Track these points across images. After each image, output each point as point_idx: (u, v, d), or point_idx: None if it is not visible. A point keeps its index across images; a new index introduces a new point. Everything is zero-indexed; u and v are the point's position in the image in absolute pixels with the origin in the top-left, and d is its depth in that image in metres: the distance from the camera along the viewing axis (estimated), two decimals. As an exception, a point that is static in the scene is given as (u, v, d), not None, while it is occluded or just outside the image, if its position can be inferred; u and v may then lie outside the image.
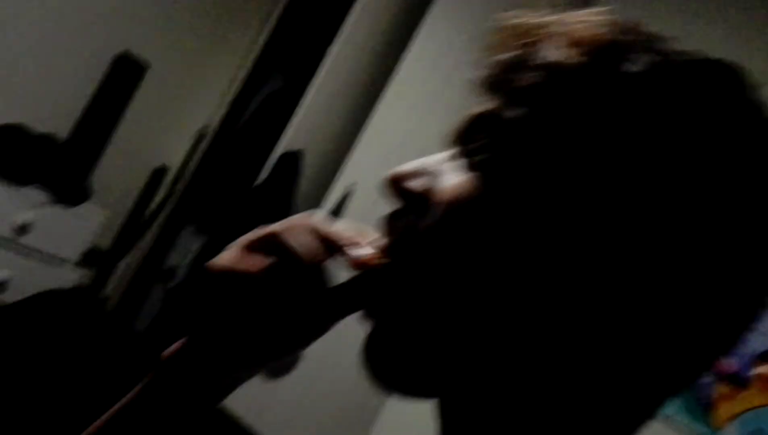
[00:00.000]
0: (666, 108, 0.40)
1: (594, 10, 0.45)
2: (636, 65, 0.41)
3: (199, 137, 3.43)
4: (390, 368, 0.46)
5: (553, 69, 0.42)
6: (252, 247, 0.48)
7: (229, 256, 0.48)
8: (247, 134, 3.26)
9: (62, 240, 2.94)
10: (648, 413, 0.45)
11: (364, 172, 2.45)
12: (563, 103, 0.42)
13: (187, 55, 3.40)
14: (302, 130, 2.88)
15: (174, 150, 3.47)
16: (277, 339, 0.48)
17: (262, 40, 3.43)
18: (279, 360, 0.50)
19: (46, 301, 2.42)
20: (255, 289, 0.47)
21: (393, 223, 0.48)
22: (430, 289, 0.43)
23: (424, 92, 2.49)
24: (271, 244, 0.47)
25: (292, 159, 2.81)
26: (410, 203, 0.47)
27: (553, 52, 0.43)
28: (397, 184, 0.48)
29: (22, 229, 2.82)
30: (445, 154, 0.49)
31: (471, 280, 0.42)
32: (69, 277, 2.97)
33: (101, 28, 3.13)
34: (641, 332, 0.40)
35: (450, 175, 0.46)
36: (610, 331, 0.40)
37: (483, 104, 0.47)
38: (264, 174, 2.84)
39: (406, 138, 2.44)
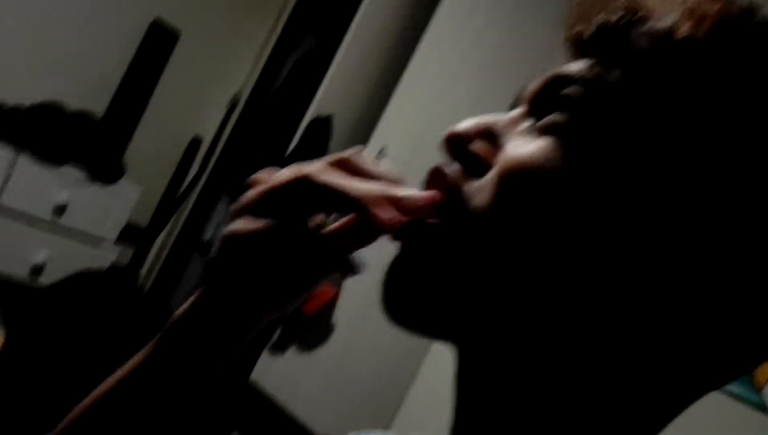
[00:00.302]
0: None
1: None
2: (759, 50, 0.40)
3: (232, 106, 3.41)
4: (409, 298, 0.43)
5: (669, 38, 0.40)
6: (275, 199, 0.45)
7: (245, 223, 0.45)
8: (280, 99, 3.23)
9: (99, 218, 2.95)
10: (691, 399, 0.42)
11: (395, 135, 2.41)
12: (683, 75, 0.39)
13: (217, 23, 3.36)
14: (332, 94, 2.84)
15: (207, 120, 3.46)
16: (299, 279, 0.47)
17: (291, 4, 3.38)
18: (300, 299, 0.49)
19: (82, 281, 2.43)
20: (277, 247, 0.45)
21: (440, 180, 0.44)
22: (474, 253, 0.41)
23: (454, 53, 2.43)
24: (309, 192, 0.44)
25: (323, 124, 2.78)
26: (468, 165, 0.44)
27: (667, 21, 0.40)
28: (456, 143, 0.44)
29: (59, 210, 2.83)
30: (512, 114, 0.45)
31: (528, 251, 0.40)
32: (106, 255, 2.99)
33: (132, 1, 3.11)
34: (713, 316, 0.39)
35: (520, 140, 0.43)
36: (679, 312, 0.39)
37: (569, 65, 0.43)
38: (296, 140, 2.81)
39: (436, 99, 2.39)
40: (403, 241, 0.44)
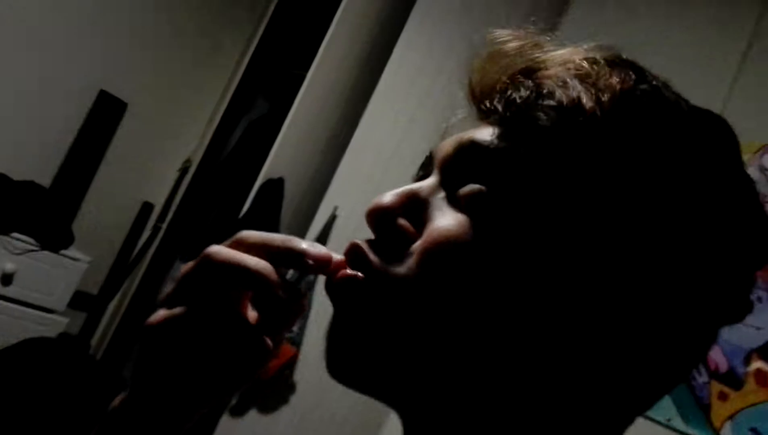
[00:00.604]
0: (689, 168, 0.42)
1: (598, 45, 0.46)
2: (657, 120, 0.42)
3: (184, 170, 3.40)
4: (342, 357, 0.45)
5: (575, 113, 0.42)
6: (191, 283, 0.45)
7: (160, 313, 0.45)
8: (231, 163, 3.23)
9: (47, 287, 2.88)
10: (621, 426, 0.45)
11: (347, 196, 2.43)
12: (588, 149, 0.41)
13: (166, 90, 3.37)
14: (283, 157, 2.86)
15: (158, 186, 3.44)
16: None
17: (241, 69, 3.41)
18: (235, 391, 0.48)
19: (32, 349, 2.37)
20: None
21: (361, 255, 0.45)
22: (398, 318, 0.43)
23: (402, 113, 2.48)
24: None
25: (275, 186, 2.79)
26: (392, 237, 0.45)
27: (571, 96, 0.42)
28: (381, 217, 0.45)
29: (6, 279, 2.77)
30: (430, 182, 0.47)
31: (452, 318, 0.42)
32: (56, 324, 2.91)
33: (79, 73, 3.11)
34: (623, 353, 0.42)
35: (439, 214, 0.45)
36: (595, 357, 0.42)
37: (479, 132, 0.45)
38: (248, 203, 2.81)
39: (386, 160, 2.43)
40: (333, 300, 0.45)
